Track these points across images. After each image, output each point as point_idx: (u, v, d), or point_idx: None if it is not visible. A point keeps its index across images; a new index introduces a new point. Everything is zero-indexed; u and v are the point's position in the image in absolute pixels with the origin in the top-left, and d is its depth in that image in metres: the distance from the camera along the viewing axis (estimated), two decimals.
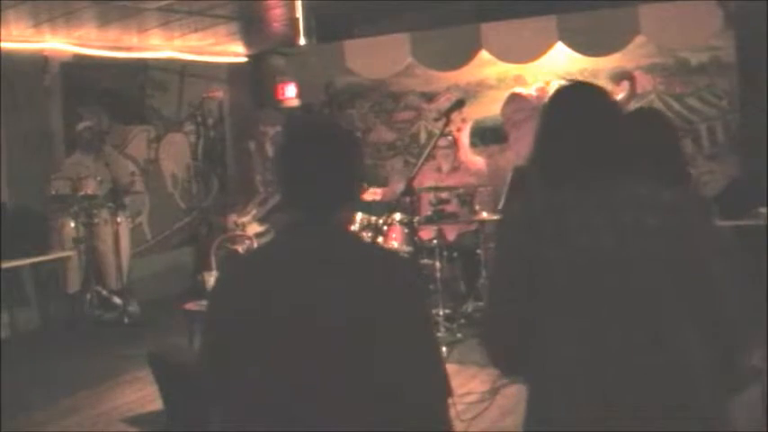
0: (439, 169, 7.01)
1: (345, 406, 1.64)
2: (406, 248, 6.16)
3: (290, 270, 1.72)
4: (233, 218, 7.36)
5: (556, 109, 2.05)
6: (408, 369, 1.65)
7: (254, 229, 6.97)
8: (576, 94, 2.08)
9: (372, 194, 7.26)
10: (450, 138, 6.94)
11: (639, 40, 6.63)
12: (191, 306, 5.58)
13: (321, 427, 1.64)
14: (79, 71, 7.65)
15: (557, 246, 1.85)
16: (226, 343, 1.75)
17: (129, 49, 7.88)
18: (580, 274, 1.84)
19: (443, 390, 1.71)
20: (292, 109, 8.79)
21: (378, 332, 1.64)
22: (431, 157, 6.18)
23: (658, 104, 7.11)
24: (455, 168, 6.99)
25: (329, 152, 1.77)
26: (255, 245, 6.51)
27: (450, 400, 1.72)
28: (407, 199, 4.86)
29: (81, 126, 7.28)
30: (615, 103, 2.10)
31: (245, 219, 7.23)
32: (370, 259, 1.77)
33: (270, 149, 7.45)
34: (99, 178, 6.92)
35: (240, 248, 6.80)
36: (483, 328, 2.06)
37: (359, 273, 1.70)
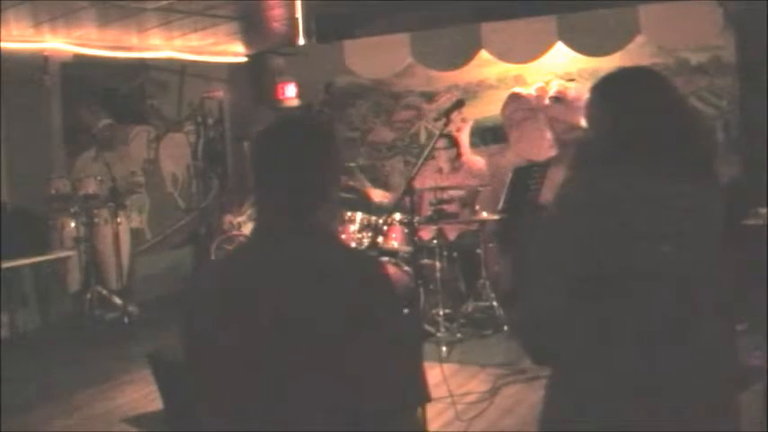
0: (439, 169, 7.01)
1: (315, 410, 1.60)
2: (406, 248, 6.16)
3: (260, 275, 1.67)
4: (228, 218, 7.35)
5: (626, 89, 1.98)
6: (378, 374, 1.60)
7: (249, 228, 6.97)
8: (647, 78, 2.02)
9: (382, 197, 7.25)
10: (449, 138, 6.94)
11: (639, 40, 6.63)
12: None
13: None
14: (79, 71, 7.65)
15: (618, 237, 1.78)
16: (202, 348, 1.72)
17: (129, 49, 7.88)
18: (638, 268, 1.78)
19: (417, 395, 1.67)
20: (290, 108, 8.79)
21: (347, 337, 1.59)
22: (430, 157, 6.18)
23: None
24: (455, 168, 6.99)
25: (300, 152, 1.71)
26: None
27: (423, 406, 1.68)
28: (407, 199, 4.85)
29: (102, 124, 7.31)
30: (679, 92, 2.04)
31: (240, 219, 7.23)
32: (342, 264, 1.70)
33: None
34: (99, 178, 6.92)
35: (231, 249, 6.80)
36: (523, 313, 1.93)
37: (329, 277, 1.64)
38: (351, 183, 7.25)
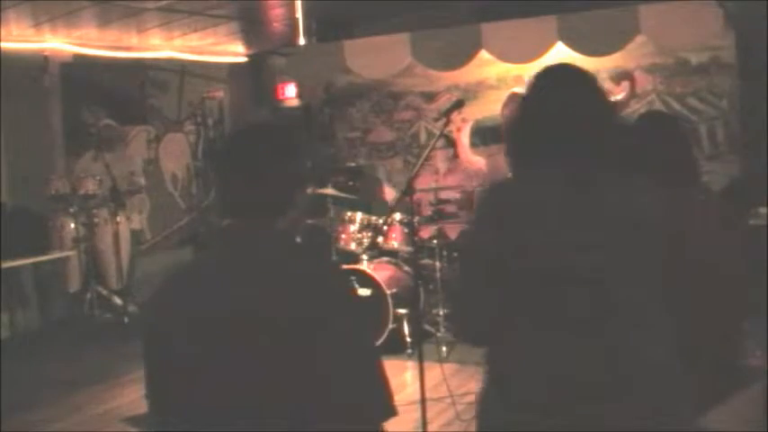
0: (436, 170, 7.01)
1: (273, 419, 1.57)
2: (406, 248, 6.16)
3: (218, 281, 1.64)
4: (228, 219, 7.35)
5: (533, 91, 2.02)
6: (332, 389, 1.55)
7: None
8: (557, 76, 2.03)
9: (389, 194, 7.24)
10: (446, 138, 6.93)
11: (639, 40, 6.63)
12: None
13: None
14: (79, 71, 7.66)
15: (525, 236, 1.86)
16: (161, 356, 1.70)
17: (129, 49, 7.89)
18: (544, 267, 1.85)
19: (379, 410, 1.61)
20: (289, 109, 8.80)
21: (298, 348, 1.55)
22: (430, 157, 6.18)
23: (658, 104, 7.11)
24: (452, 169, 7.00)
25: (261, 158, 1.68)
26: None
27: (387, 420, 1.61)
28: (407, 199, 4.85)
29: (102, 124, 7.31)
30: (598, 86, 2.04)
31: None
32: (299, 272, 1.65)
33: None
34: (99, 178, 6.92)
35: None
36: (454, 302, 2.14)
37: (284, 286, 1.60)
38: (354, 183, 7.23)
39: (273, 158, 1.68)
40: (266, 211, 1.68)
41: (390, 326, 5.73)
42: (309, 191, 1.78)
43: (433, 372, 4.55)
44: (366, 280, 5.80)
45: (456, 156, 7.07)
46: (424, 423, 3.90)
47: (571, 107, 1.96)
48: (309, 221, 6.26)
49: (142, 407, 5.14)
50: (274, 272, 1.63)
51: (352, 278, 5.78)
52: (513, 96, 7.77)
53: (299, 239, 1.79)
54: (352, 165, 7.47)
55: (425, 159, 4.30)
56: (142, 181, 7.65)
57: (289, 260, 1.68)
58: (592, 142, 1.95)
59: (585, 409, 1.81)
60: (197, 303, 1.64)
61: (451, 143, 7.04)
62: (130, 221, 7.64)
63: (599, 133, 1.97)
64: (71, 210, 6.91)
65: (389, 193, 7.18)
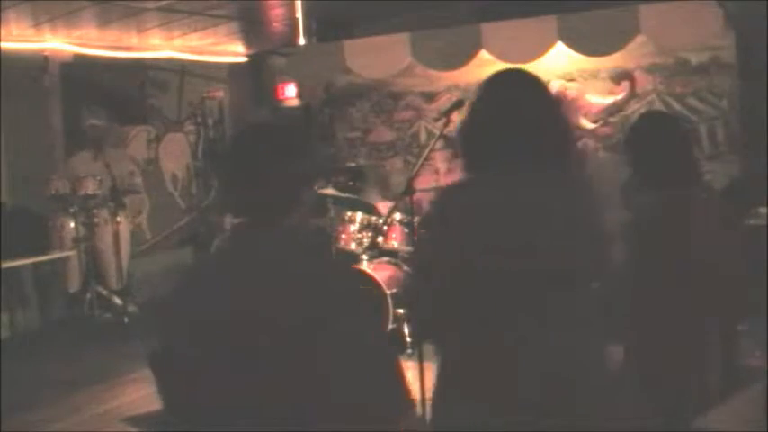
0: (436, 170, 7.01)
1: (287, 416, 1.58)
2: (406, 248, 6.16)
3: (231, 278, 1.67)
4: (228, 218, 7.35)
5: (479, 94, 2.08)
6: (346, 386, 1.56)
7: None
8: (504, 81, 2.09)
9: (386, 207, 7.21)
10: (445, 138, 6.93)
11: (639, 40, 6.63)
12: None
13: None
14: (79, 71, 7.66)
15: (470, 237, 1.93)
16: (177, 352, 1.72)
17: (129, 49, 7.89)
18: (491, 264, 1.90)
19: (395, 405, 1.61)
20: (290, 109, 8.79)
21: (314, 344, 1.56)
22: (430, 157, 6.17)
23: (658, 104, 7.11)
24: (452, 169, 6.99)
25: (269, 157, 1.69)
26: None
27: (406, 413, 1.62)
28: (407, 199, 4.85)
29: (89, 123, 7.29)
30: (545, 90, 2.10)
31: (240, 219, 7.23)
32: (310, 268, 1.68)
33: None
34: (99, 178, 6.92)
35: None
36: (409, 298, 2.22)
37: (296, 281, 1.62)
38: (354, 183, 7.22)
39: (278, 158, 1.70)
40: (273, 210, 1.69)
41: (390, 326, 5.73)
42: (314, 189, 1.81)
43: (433, 372, 4.54)
44: (366, 280, 5.80)
45: (455, 156, 7.06)
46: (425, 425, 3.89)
47: (516, 110, 2.02)
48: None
49: (142, 407, 5.17)
50: (284, 271, 1.64)
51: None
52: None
53: (306, 238, 1.81)
54: (352, 165, 7.46)
55: (425, 159, 4.30)
56: (139, 181, 7.64)
57: (298, 259, 1.69)
58: (537, 144, 1.99)
59: (529, 406, 1.86)
60: (207, 304, 1.66)
61: (450, 143, 7.03)
62: (131, 221, 7.64)
63: (544, 135, 2.00)
64: (71, 210, 6.90)
65: (383, 208, 7.14)
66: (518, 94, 2.06)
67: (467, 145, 2.09)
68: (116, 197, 7.07)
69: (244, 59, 9.13)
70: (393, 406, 1.61)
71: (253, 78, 9.27)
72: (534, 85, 2.09)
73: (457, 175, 6.83)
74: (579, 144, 7.46)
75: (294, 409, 1.57)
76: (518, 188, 1.97)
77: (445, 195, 2.10)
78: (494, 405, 1.89)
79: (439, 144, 6.76)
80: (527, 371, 1.89)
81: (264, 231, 1.69)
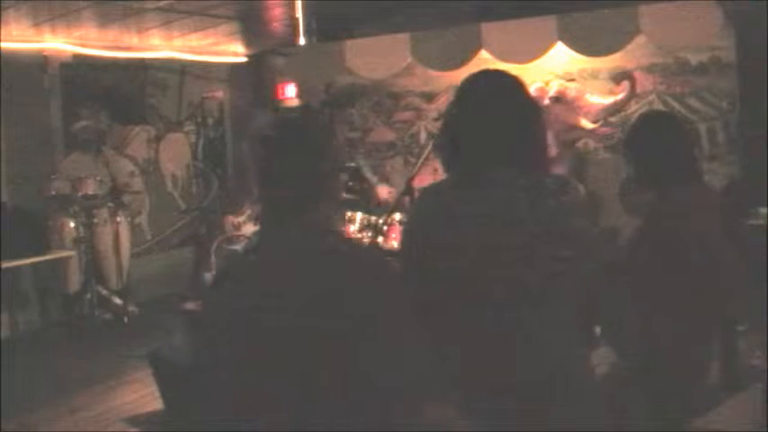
0: (435, 170, 7.00)
1: (328, 405, 1.62)
2: None
3: (270, 270, 1.71)
4: (229, 218, 7.35)
5: (458, 97, 2.10)
6: (392, 365, 1.62)
7: (249, 228, 6.97)
8: (481, 82, 2.10)
9: (388, 194, 7.22)
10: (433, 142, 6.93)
11: (639, 40, 6.63)
12: (191, 306, 5.59)
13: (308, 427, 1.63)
14: (79, 71, 7.66)
15: (444, 236, 1.95)
16: (219, 349, 1.76)
17: (129, 49, 7.88)
18: (468, 264, 1.92)
19: (440, 383, 1.66)
20: (289, 109, 8.78)
21: (355, 329, 1.61)
22: (430, 157, 6.18)
23: (658, 104, 7.11)
24: None
25: (300, 152, 1.76)
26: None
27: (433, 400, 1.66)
28: (407, 199, 4.85)
29: (78, 125, 7.28)
30: (522, 91, 2.10)
31: (239, 219, 7.22)
32: (345, 257, 1.74)
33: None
34: (99, 178, 6.92)
35: (239, 248, 6.78)
36: None
37: (335, 270, 1.68)
38: (352, 183, 7.23)
39: (314, 153, 1.77)
40: (309, 202, 1.75)
41: None
42: (341, 183, 1.86)
43: None
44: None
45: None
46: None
47: (491, 112, 2.02)
48: None
49: (142, 407, 5.17)
50: (322, 257, 1.70)
51: None
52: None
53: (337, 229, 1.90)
54: (352, 164, 7.46)
55: (426, 159, 4.31)
56: (132, 182, 7.61)
57: (334, 246, 1.76)
58: (512, 146, 2.00)
59: (497, 403, 1.88)
60: (256, 289, 1.71)
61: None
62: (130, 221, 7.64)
63: (516, 138, 2.01)
64: (71, 210, 6.90)
65: (383, 192, 7.15)
66: (491, 96, 2.05)
67: (442, 146, 2.11)
68: (116, 197, 7.07)
69: (244, 59, 9.13)
70: (439, 384, 1.67)
71: (253, 78, 9.26)
72: (508, 87, 2.08)
73: None
74: (579, 144, 7.46)
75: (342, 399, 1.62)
76: (488, 190, 1.97)
77: (422, 196, 2.15)
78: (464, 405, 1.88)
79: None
80: (493, 375, 1.90)
81: (298, 225, 1.74)
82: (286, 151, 1.76)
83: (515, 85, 2.09)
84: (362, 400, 1.60)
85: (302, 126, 1.87)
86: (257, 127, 1.87)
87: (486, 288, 1.92)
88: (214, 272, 5.75)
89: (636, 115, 6.72)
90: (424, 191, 2.16)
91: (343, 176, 6.78)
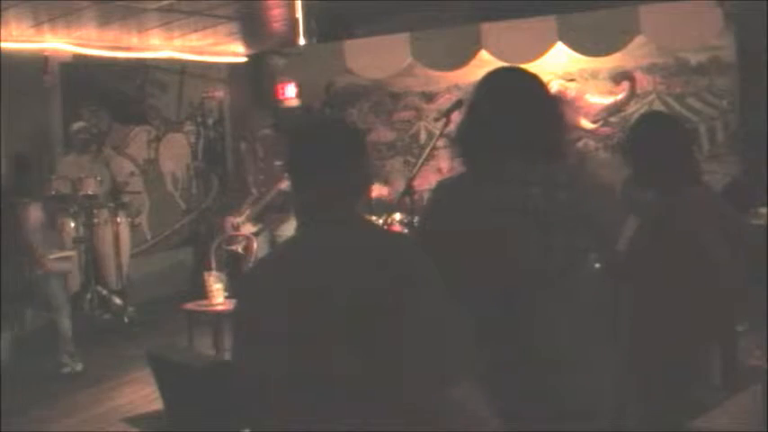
0: (438, 169, 7.01)
1: (364, 389, 1.68)
2: None
3: (312, 263, 1.79)
4: (229, 218, 7.35)
5: (475, 92, 2.12)
6: (419, 347, 1.67)
7: (249, 228, 6.97)
8: (500, 79, 2.13)
9: (378, 191, 7.22)
10: (449, 137, 6.93)
11: (639, 40, 6.63)
12: (191, 306, 5.59)
13: (341, 413, 1.69)
14: (79, 71, 7.65)
15: (447, 225, 1.98)
16: (259, 340, 1.83)
17: (129, 49, 7.89)
18: (461, 255, 1.94)
19: (461, 368, 1.70)
20: (289, 109, 8.78)
21: (391, 313, 1.67)
22: (430, 157, 6.17)
23: (658, 104, 7.12)
24: (455, 168, 6.98)
25: (338, 151, 1.84)
26: (255, 244, 6.50)
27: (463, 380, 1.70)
28: (407, 199, 4.85)
29: (76, 127, 7.28)
30: (541, 88, 2.12)
31: (239, 219, 7.23)
32: (383, 245, 1.83)
33: (260, 150, 7.46)
34: (99, 178, 6.92)
35: (239, 248, 6.78)
36: None
37: (372, 259, 1.75)
38: None
39: (350, 152, 1.86)
40: (347, 197, 1.84)
41: None
42: (371, 183, 1.98)
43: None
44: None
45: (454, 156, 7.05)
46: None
47: (514, 107, 2.04)
48: None
49: (142, 407, 5.16)
50: (362, 247, 1.79)
51: None
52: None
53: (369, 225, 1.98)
54: None
55: (426, 159, 4.30)
56: (128, 182, 7.60)
57: (372, 236, 1.88)
58: (532, 142, 2.01)
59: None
60: (298, 279, 1.78)
61: (451, 143, 7.01)
62: (130, 221, 7.64)
63: (540, 134, 2.02)
64: (71, 210, 6.90)
65: (375, 190, 7.14)
66: (514, 92, 2.07)
67: (463, 143, 2.11)
68: (116, 197, 7.07)
69: (244, 59, 9.13)
70: (460, 368, 1.69)
71: (253, 78, 9.26)
72: (531, 84, 2.10)
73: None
74: (579, 144, 7.47)
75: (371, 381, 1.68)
76: (509, 184, 1.98)
77: (439, 190, 2.15)
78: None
79: (440, 143, 6.79)
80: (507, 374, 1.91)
81: (337, 219, 1.83)
82: (327, 151, 1.83)
83: (536, 81, 2.11)
84: (396, 380, 1.66)
85: (341, 127, 1.99)
86: (294, 129, 1.94)
87: (505, 279, 1.93)
88: (250, 265, 5.77)
89: (636, 115, 6.73)
90: (442, 184, 2.16)
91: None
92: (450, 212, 2.02)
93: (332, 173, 1.82)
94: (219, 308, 5.34)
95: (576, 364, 1.96)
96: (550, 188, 1.97)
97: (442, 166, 6.98)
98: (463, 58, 7.11)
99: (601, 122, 7.40)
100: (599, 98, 7.39)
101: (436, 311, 1.72)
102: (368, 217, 6.48)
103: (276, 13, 7.92)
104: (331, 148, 1.84)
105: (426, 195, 6.49)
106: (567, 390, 1.93)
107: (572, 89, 7.41)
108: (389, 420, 1.66)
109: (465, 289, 1.93)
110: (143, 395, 5.09)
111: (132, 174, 8.00)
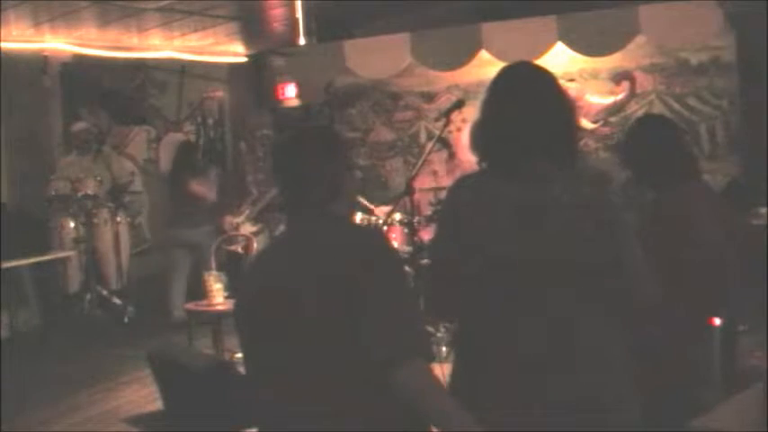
0: (434, 172, 7.01)
1: (334, 369, 1.85)
2: (406, 248, 6.16)
3: (293, 255, 1.98)
4: (228, 218, 7.36)
5: (492, 88, 2.13)
6: (379, 327, 1.81)
7: (248, 228, 6.98)
8: (515, 75, 2.15)
9: (381, 213, 7.21)
10: (441, 140, 6.93)
11: (639, 40, 6.64)
12: (191, 306, 5.59)
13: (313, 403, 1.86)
14: (79, 71, 7.65)
15: (478, 228, 1.98)
16: (254, 331, 2.01)
17: (129, 49, 7.89)
18: (496, 257, 1.95)
19: (419, 346, 1.86)
20: (289, 110, 8.79)
21: (351, 296, 1.82)
22: (429, 158, 6.18)
23: (658, 104, 7.12)
24: (450, 170, 6.99)
25: (314, 157, 2.03)
26: (255, 244, 6.51)
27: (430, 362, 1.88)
28: (407, 199, 4.85)
29: (76, 127, 7.28)
30: (556, 84, 2.12)
31: (238, 219, 7.23)
32: (347, 237, 2.00)
33: (260, 151, 7.47)
34: (99, 178, 6.92)
35: (238, 248, 6.78)
36: (426, 283, 2.31)
37: (337, 248, 1.93)
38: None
39: (326, 157, 2.03)
40: (324, 198, 2.01)
41: None
42: (355, 179, 2.20)
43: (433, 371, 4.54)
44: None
45: (452, 158, 7.06)
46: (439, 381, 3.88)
47: (526, 105, 2.04)
48: None
49: (142, 407, 5.16)
50: (330, 240, 1.96)
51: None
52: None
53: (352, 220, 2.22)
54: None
55: (425, 159, 4.31)
56: (127, 183, 7.60)
57: (341, 230, 2.03)
58: (547, 138, 2.01)
59: (538, 385, 1.92)
60: (281, 270, 1.98)
61: (446, 144, 7.01)
62: (130, 220, 7.64)
63: (555, 129, 2.02)
64: (71, 210, 6.90)
65: (380, 213, 7.12)
66: (533, 89, 2.07)
67: (480, 139, 2.10)
68: (116, 197, 7.07)
69: (244, 59, 9.12)
70: (418, 347, 1.86)
71: (253, 78, 9.26)
72: (550, 80, 2.10)
73: (457, 175, 6.85)
74: (579, 144, 7.47)
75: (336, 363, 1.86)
76: (529, 181, 1.99)
77: (458, 187, 2.13)
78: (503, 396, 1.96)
79: (436, 145, 6.80)
80: (534, 364, 1.92)
81: (316, 217, 2.02)
82: (305, 157, 2.01)
83: (552, 78, 2.12)
84: (360, 359, 1.80)
85: (317, 135, 2.15)
86: (281, 138, 2.09)
87: (528, 277, 1.93)
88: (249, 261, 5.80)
89: (636, 115, 6.73)
90: (461, 181, 2.14)
91: (358, 173, 6.79)
92: (472, 210, 2.01)
93: (306, 176, 2.01)
94: (219, 308, 5.34)
95: (607, 359, 1.98)
96: (574, 185, 1.98)
97: (436, 169, 6.99)
98: (463, 58, 7.11)
99: (601, 122, 7.41)
100: (599, 98, 7.39)
101: (393, 296, 1.87)
102: (365, 218, 6.48)
103: (276, 13, 7.91)
104: (305, 153, 2.03)
105: (425, 196, 6.51)
106: (599, 386, 1.95)
107: (572, 89, 7.41)
108: (349, 399, 1.82)
109: (492, 288, 1.94)
110: (143, 395, 5.09)
111: (132, 174, 8.00)
